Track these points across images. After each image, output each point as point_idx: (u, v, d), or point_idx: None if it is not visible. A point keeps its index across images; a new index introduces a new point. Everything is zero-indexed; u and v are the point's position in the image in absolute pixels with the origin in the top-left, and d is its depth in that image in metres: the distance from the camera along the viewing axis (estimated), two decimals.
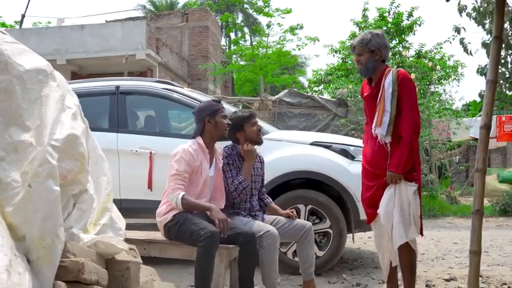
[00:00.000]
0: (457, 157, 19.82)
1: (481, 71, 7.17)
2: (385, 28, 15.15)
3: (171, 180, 3.47)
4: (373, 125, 3.52)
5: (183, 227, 3.34)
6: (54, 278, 1.97)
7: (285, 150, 4.76)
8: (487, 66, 6.18)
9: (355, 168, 4.79)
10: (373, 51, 3.51)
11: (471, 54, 6.72)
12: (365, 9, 15.41)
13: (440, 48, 14.32)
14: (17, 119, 2.12)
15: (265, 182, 4.24)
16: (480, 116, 12.06)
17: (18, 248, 1.91)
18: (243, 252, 3.40)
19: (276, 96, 11.18)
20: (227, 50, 25.01)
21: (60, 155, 2.15)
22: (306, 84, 22.16)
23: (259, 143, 3.96)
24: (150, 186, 4.82)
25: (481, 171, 3.49)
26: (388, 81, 3.44)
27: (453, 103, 12.79)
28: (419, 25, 15.02)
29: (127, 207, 4.42)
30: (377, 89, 3.52)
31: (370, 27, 15.20)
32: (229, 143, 3.99)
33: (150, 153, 4.80)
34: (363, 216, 4.29)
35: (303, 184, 4.78)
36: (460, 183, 17.43)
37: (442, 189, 12.93)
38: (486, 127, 3.50)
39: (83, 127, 2.45)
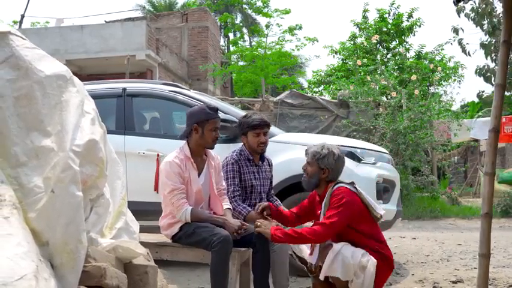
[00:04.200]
0: (456, 158, 19.89)
1: (480, 72, 7.20)
2: (385, 29, 15.21)
3: (170, 197, 3.40)
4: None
5: (194, 235, 3.34)
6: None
7: (292, 152, 4.77)
8: (486, 67, 6.23)
9: (362, 170, 4.82)
10: (322, 169, 3.34)
11: (469, 55, 6.75)
12: (365, 10, 15.47)
13: (442, 49, 14.39)
14: (38, 125, 2.13)
15: (273, 184, 4.26)
16: (479, 117, 12.14)
17: (42, 254, 1.92)
18: (257, 252, 3.41)
19: (278, 97, 11.19)
20: (226, 51, 25.01)
21: (81, 160, 2.16)
22: (306, 85, 22.21)
23: (259, 153, 3.95)
24: (156, 189, 4.82)
25: (490, 175, 3.50)
26: (325, 202, 3.29)
27: (453, 104, 12.83)
28: (419, 26, 15.09)
29: (134, 210, 4.42)
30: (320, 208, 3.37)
31: (370, 28, 15.26)
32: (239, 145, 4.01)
33: (158, 155, 4.81)
34: None
35: None
36: (459, 184, 17.49)
37: (441, 189, 12.98)
38: (495, 130, 3.52)
39: (101, 132, 2.46)
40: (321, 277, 3.13)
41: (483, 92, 7.23)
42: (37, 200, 2.00)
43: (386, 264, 3.25)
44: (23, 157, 2.06)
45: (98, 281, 2.06)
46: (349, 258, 3.08)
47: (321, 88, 16.55)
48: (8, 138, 2.06)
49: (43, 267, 1.84)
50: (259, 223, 3.34)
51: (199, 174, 3.55)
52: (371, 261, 3.12)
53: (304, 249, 3.49)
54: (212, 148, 3.60)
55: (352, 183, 3.36)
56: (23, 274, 1.67)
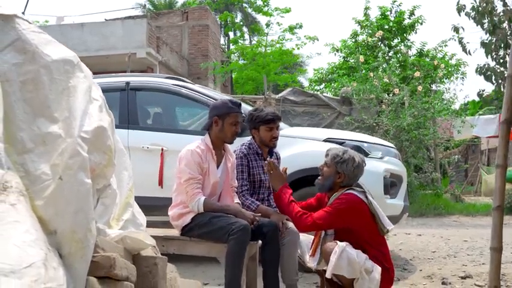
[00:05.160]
0: (456, 156, 19.86)
1: (480, 71, 7.17)
2: (387, 26, 15.13)
3: (186, 185, 3.34)
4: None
5: (209, 224, 3.28)
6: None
7: (298, 146, 4.72)
8: (486, 66, 6.17)
9: (369, 164, 4.72)
10: (339, 173, 3.28)
11: (470, 54, 6.72)
12: (367, 8, 15.38)
13: (445, 45, 14.32)
14: (45, 110, 2.06)
15: None
16: (480, 114, 12.06)
17: (50, 243, 1.85)
18: (267, 244, 3.34)
19: (280, 95, 11.13)
20: (226, 49, 24.94)
21: (89, 147, 2.09)
22: (306, 83, 22.14)
23: (270, 147, 3.91)
24: (160, 183, 4.77)
25: (502, 167, 3.44)
26: (329, 202, 3.29)
27: (455, 102, 12.76)
28: (421, 24, 15.02)
29: (138, 205, 4.36)
30: None
31: (372, 26, 15.18)
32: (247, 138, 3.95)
33: (162, 149, 4.75)
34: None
35: None
36: (459, 183, 17.45)
37: (443, 187, 12.93)
38: (507, 122, 3.46)
39: (109, 120, 2.39)
40: (328, 275, 3.08)
41: (483, 90, 7.21)
42: (44, 187, 1.93)
43: (387, 276, 3.19)
44: (29, 143, 1.99)
45: (106, 272, 1.99)
46: (354, 256, 3.03)
47: (322, 86, 16.48)
48: (14, 123, 1.99)
49: (52, 255, 1.77)
50: (273, 169, 3.38)
51: (217, 167, 3.50)
52: (376, 268, 3.07)
53: (306, 254, 3.44)
54: (231, 143, 3.55)
55: (364, 192, 3.30)
56: (32, 262, 1.60)
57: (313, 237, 3.49)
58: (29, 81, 2.05)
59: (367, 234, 3.22)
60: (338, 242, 3.10)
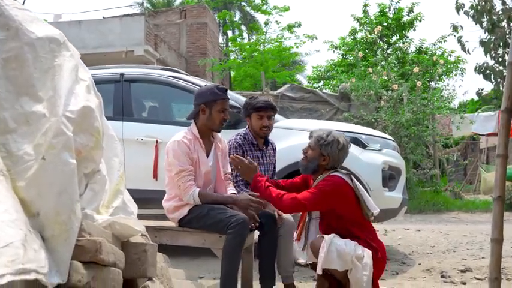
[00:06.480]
0: (455, 155, 19.78)
1: (479, 70, 7.10)
2: (386, 23, 15.07)
3: (177, 178, 3.22)
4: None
5: (207, 217, 3.17)
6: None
7: (295, 138, 4.64)
8: (485, 64, 6.11)
9: (367, 156, 4.69)
10: (323, 156, 3.18)
11: (469, 53, 6.66)
12: (365, 5, 15.32)
13: (444, 41, 14.25)
14: (29, 89, 1.98)
15: (275, 170, 4.12)
16: (480, 112, 11.99)
17: (33, 225, 1.77)
18: (265, 234, 3.26)
19: (278, 91, 11.05)
20: (224, 48, 24.87)
21: (74, 127, 2.01)
22: (305, 81, 22.05)
23: (261, 136, 3.82)
24: (155, 176, 4.69)
25: (503, 157, 3.37)
26: (313, 185, 3.19)
27: (454, 98, 12.67)
28: (420, 21, 14.96)
29: (132, 197, 4.28)
30: None
31: (371, 23, 15.12)
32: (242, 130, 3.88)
33: (156, 141, 4.67)
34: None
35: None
36: (458, 181, 17.37)
37: (443, 185, 12.84)
38: (508, 111, 3.39)
39: (96, 102, 2.31)
40: (318, 271, 3.00)
41: (482, 89, 7.16)
42: (27, 168, 1.85)
43: (380, 257, 3.10)
44: (12, 123, 1.91)
45: (92, 256, 1.90)
46: (343, 247, 2.95)
47: (320, 84, 16.41)
48: None
49: (33, 237, 1.68)
50: (240, 164, 3.24)
51: (207, 156, 3.38)
52: (366, 253, 2.99)
53: (297, 249, 3.36)
54: (219, 131, 3.42)
55: (348, 175, 3.22)
56: (10, 242, 1.52)
57: None
58: (12, 58, 1.97)
59: (352, 217, 3.14)
60: (324, 235, 3.02)
